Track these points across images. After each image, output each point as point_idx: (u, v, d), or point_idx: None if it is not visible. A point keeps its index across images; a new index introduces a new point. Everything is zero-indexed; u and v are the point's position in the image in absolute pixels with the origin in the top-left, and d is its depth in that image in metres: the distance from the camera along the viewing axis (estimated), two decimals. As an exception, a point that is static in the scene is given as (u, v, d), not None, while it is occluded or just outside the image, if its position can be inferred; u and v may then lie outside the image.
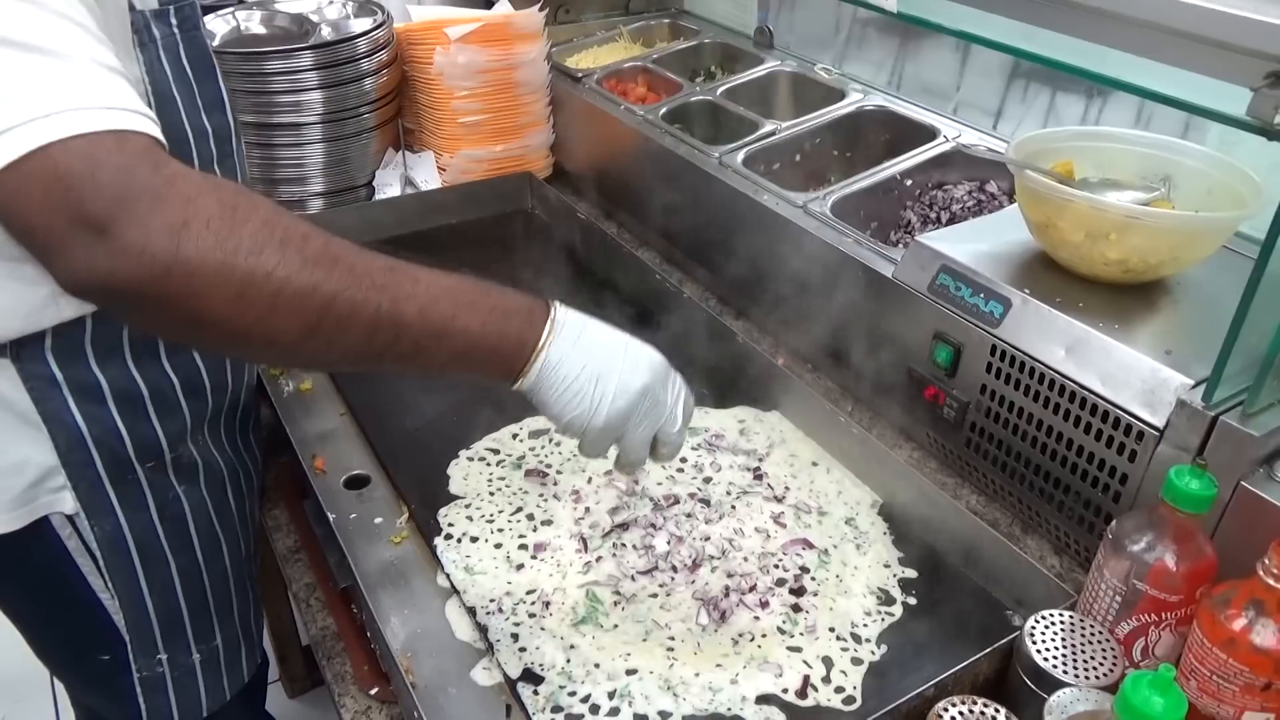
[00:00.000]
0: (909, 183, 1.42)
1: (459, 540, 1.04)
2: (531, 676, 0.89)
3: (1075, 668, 0.80)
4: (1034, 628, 0.83)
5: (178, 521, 1.05)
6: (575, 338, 0.79)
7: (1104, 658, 0.81)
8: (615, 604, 0.97)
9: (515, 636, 0.93)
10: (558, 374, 0.78)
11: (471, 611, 0.96)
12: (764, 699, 0.88)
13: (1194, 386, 0.90)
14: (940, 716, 0.77)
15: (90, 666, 1.08)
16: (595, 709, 0.86)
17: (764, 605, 0.97)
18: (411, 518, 1.07)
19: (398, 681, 0.92)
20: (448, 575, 1.00)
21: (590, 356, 0.79)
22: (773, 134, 1.54)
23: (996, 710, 0.78)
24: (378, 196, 1.74)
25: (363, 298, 0.68)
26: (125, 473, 0.99)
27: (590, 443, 0.82)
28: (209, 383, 1.06)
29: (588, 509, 1.09)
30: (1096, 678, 0.79)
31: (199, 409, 1.06)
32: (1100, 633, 0.83)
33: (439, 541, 1.04)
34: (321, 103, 1.62)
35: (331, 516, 1.06)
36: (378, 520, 1.07)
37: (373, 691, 1.04)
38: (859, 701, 0.88)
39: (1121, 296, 1.03)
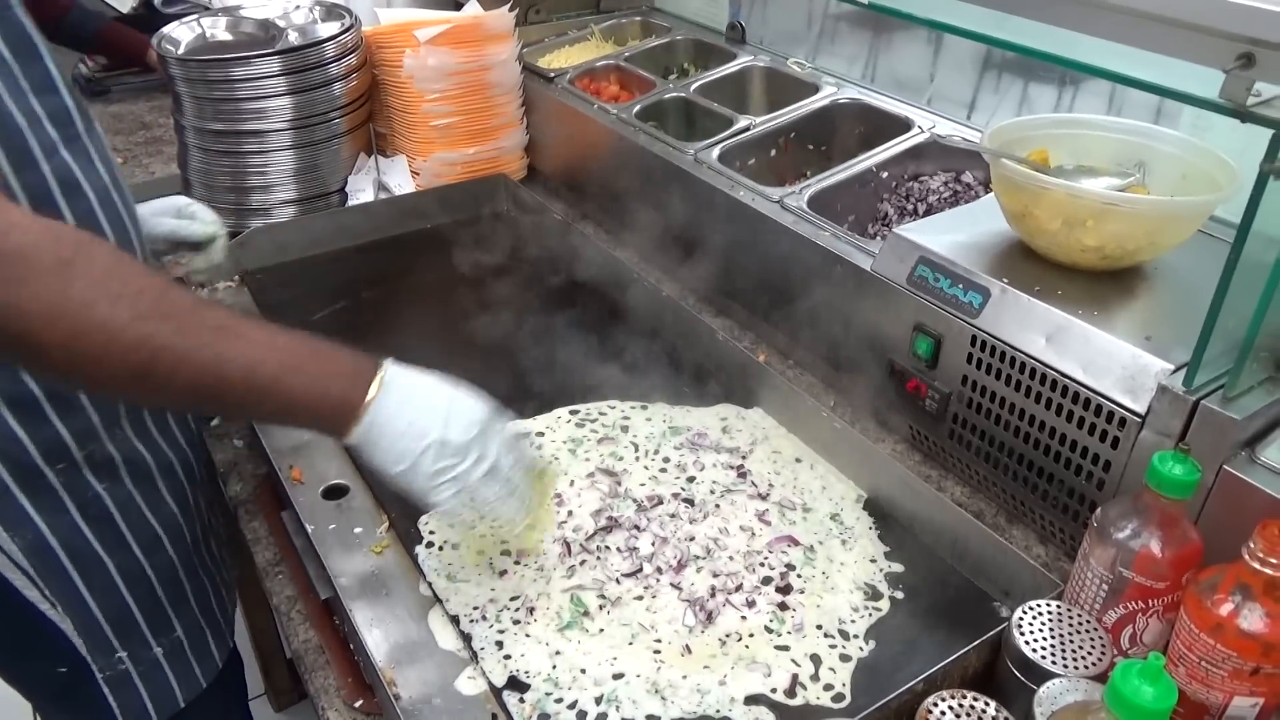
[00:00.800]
0: (885, 175, 1.42)
1: (440, 548, 1.03)
2: (517, 684, 0.88)
3: (1064, 658, 0.80)
4: (1022, 619, 0.83)
5: (105, 521, 1.02)
6: (402, 398, 0.83)
7: (1092, 647, 0.81)
8: (600, 608, 0.96)
9: (500, 644, 0.92)
10: (383, 432, 0.82)
11: (455, 620, 0.94)
12: (753, 699, 0.87)
13: (1174, 371, 0.90)
14: (930, 712, 0.76)
15: (52, 681, 1.05)
16: (583, 715, 0.85)
17: (750, 604, 0.96)
18: (391, 526, 1.05)
19: (382, 694, 0.90)
20: (429, 584, 0.98)
21: (416, 414, 0.83)
22: (747, 129, 1.54)
23: (986, 704, 0.77)
24: (351, 202, 1.72)
25: (188, 354, 0.74)
26: (34, 479, 0.95)
27: (418, 494, 0.86)
28: None
29: (570, 512, 1.07)
30: (1085, 667, 0.79)
31: (107, 405, 1.00)
32: (1088, 622, 0.83)
33: (420, 550, 1.03)
34: (290, 109, 1.60)
35: (310, 528, 1.05)
36: (357, 530, 1.05)
37: (357, 704, 1.02)
38: (848, 699, 0.87)
39: (1100, 283, 1.03)
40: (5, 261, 0.67)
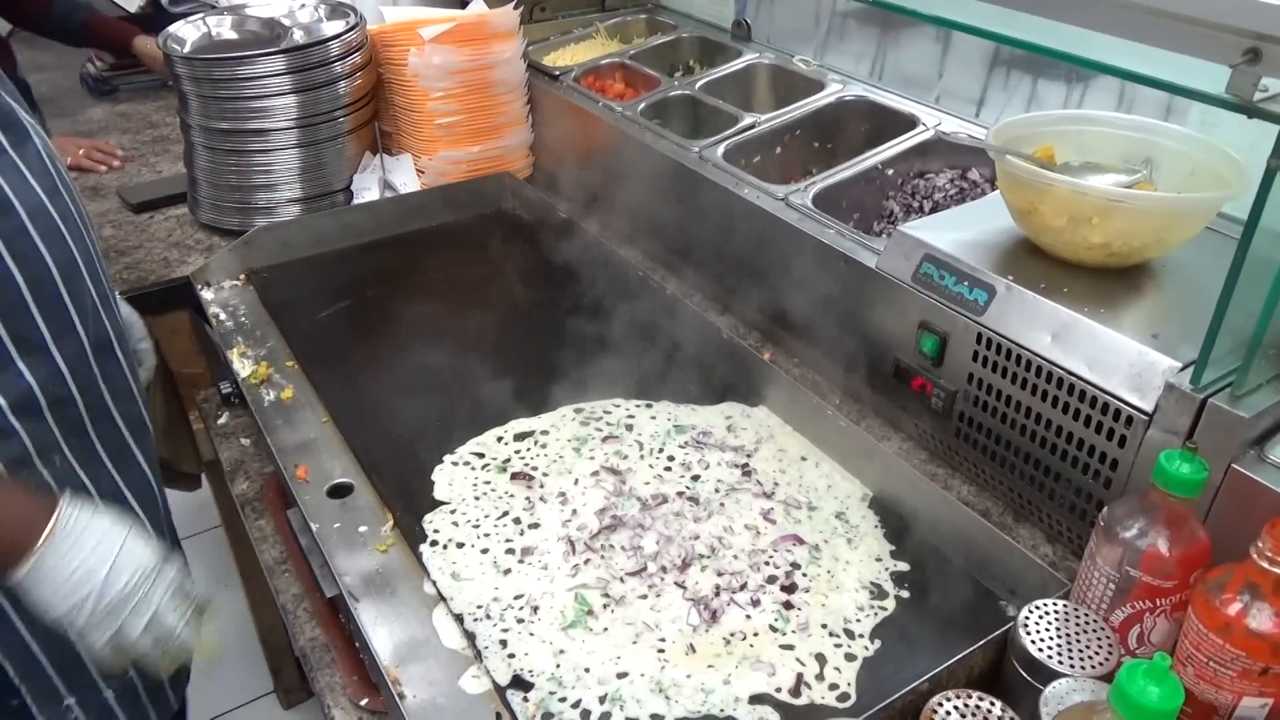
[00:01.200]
0: (890, 172, 1.41)
1: (445, 546, 1.03)
2: (521, 683, 0.88)
3: (1070, 657, 0.79)
4: (1028, 618, 0.82)
5: None
6: (72, 542, 0.86)
7: (1099, 646, 0.80)
8: (605, 607, 0.96)
9: (504, 643, 0.92)
10: (51, 574, 0.85)
11: (459, 619, 0.94)
12: (757, 699, 0.87)
13: (1182, 369, 0.89)
14: (935, 712, 0.76)
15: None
16: (586, 714, 0.85)
17: (755, 604, 0.96)
18: (396, 525, 1.05)
19: (387, 692, 0.90)
20: (434, 582, 0.98)
21: (83, 560, 0.86)
22: (752, 127, 1.53)
23: (992, 704, 0.77)
24: (356, 201, 1.72)
25: None
26: None
27: (77, 635, 0.89)
28: (45, 399, 0.96)
29: (575, 511, 1.07)
30: (1092, 667, 0.78)
31: (40, 430, 0.96)
32: (1095, 621, 0.82)
33: (424, 548, 1.03)
34: (295, 107, 1.60)
35: (315, 526, 1.05)
36: (362, 528, 1.05)
37: (363, 703, 1.03)
38: (853, 698, 0.87)
39: (1106, 281, 1.03)
40: None
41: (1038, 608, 0.83)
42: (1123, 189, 1.01)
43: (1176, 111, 1.32)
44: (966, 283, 1.05)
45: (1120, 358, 0.93)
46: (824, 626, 0.94)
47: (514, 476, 1.12)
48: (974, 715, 0.76)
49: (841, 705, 0.86)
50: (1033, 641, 0.80)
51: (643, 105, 1.66)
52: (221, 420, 1.44)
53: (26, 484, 0.95)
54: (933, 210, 1.36)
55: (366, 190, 1.73)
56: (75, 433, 1.01)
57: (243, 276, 1.53)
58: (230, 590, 2.38)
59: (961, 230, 1.13)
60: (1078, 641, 0.81)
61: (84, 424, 1.02)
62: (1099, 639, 0.81)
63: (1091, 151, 1.12)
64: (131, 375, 1.11)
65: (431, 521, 1.06)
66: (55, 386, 0.98)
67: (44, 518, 0.86)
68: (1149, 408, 0.90)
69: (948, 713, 0.76)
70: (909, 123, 1.47)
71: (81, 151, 2.00)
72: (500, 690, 0.87)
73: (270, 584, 1.25)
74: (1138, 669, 0.59)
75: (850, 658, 0.91)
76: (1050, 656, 0.79)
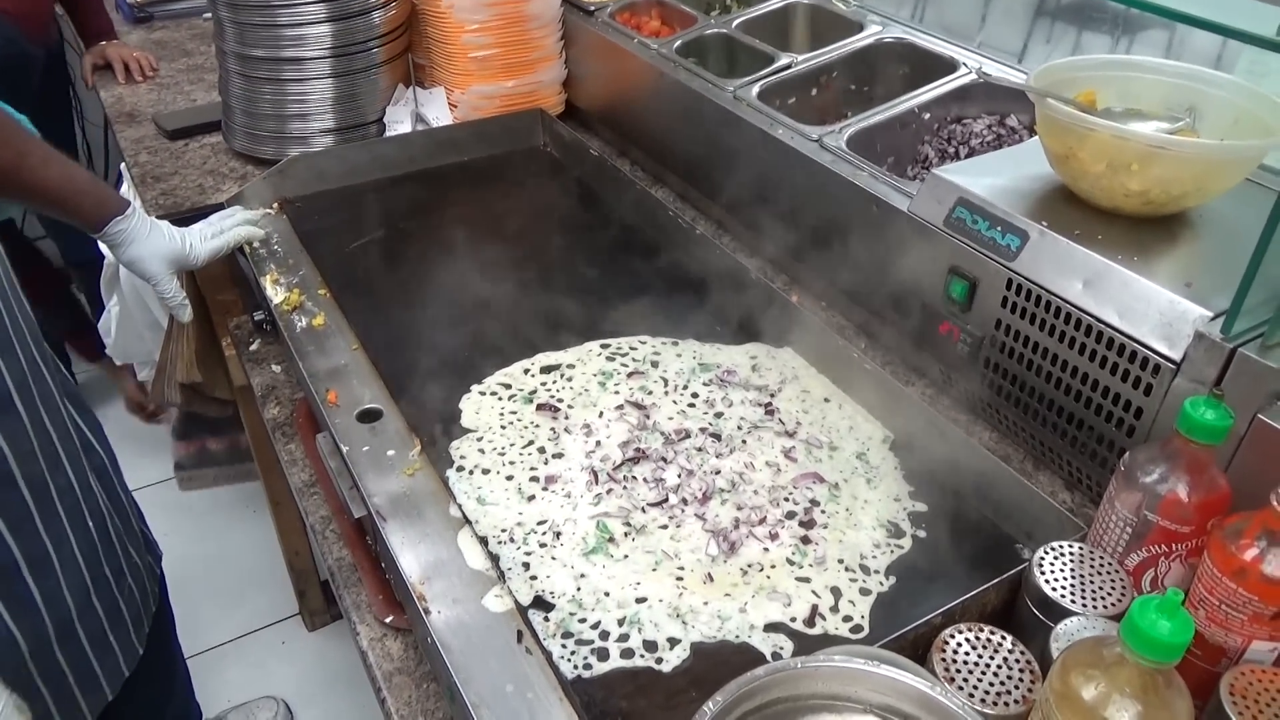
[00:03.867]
0: (927, 116, 1.40)
1: (470, 472, 1.05)
2: (542, 604, 0.90)
3: (1084, 598, 0.80)
4: (1043, 559, 0.83)
5: None
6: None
7: (1112, 588, 0.81)
8: (625, 535, 0.98)
9: (526, 565, 0.94)
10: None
11: (483, 541, 0.97)
12: (772, 627, 0.89)
13: (1213, 319, 0.88)
14: (946, 643, 0.77)
15: None
16: (605, 635, 0.87)
17: (773, 537, 0.97)
18: (423, 450, 1.07)
19: (412, 610, 0.93)
20: (459, 506, 1.01)
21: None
22: (789, 67, 1.51)
23: (1003, 637, 0.78)
24: (388, 133, 1.73)
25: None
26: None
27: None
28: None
29: (598, 443, 1.09)
30: (1104, 607, 0.79)
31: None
32: (1109, 564, 0.83)
33: (450, 473, 1.05)
34: (330, 36, 1.60)
35: (345, 449, 1.07)
36: (390, 453, 1.07)
37: (388, 620, 1.06)
38: (866, 630, 0.89)
39: (1142, 229, 1.01)
40: None
41: (1053, 549, 0.84)
42: (1164, 135, 0.99)
43: (1225, 64, 1.29)
44: (999, 228, 1.05)
45: (1151, 306, 0.92)
46: (840, 562, 0.95)
47: (539, 407, 1.14)
48: (985, 648, 0.77)
49: (855, 637, 0.88)
50: (1046, 581, 0.81)
51: (678, 43, 1.64)
52: (253, 347, 1.47)
53: None
54: (969, 156, 1.34)
55: (399, 123, 1.73)
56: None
57: (276, 205, 1.54)
58: (259, 516, 2.45)
59: (997, 175, 1.12)
60: (1091, 583, 0.82)
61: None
62: (1112, 581, 0.82)
63: (1134, 98, 1.10)
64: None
65: (459, 448, 1.08)
66: None
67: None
68: (1177, 356, 0.89)
69: (959, 645, 0.78)
70: (948, 66, 1.45)
71: (129, 64, 2.04)
72: (522, 609, 0.90)
73: (300, 506, 1.29)
74: (1150, 602, 0.60)
75: (865, 592, 0.92)
76: (1063, 596, 0.80)
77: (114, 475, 1.13)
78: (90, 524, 1.00)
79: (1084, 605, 0.79)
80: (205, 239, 1.35)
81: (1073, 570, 0.82)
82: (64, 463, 0.97)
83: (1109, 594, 0.81)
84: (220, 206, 1.53)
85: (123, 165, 1.79)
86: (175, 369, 1.76)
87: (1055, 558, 0.84)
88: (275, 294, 1.33)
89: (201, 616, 2.30)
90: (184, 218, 1.58)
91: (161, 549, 1.26)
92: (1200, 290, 0.92)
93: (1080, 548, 0.85)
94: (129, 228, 1.26)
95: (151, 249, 1.29)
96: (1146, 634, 0.59)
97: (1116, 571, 0.83)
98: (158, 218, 1.56)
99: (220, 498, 2.65)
